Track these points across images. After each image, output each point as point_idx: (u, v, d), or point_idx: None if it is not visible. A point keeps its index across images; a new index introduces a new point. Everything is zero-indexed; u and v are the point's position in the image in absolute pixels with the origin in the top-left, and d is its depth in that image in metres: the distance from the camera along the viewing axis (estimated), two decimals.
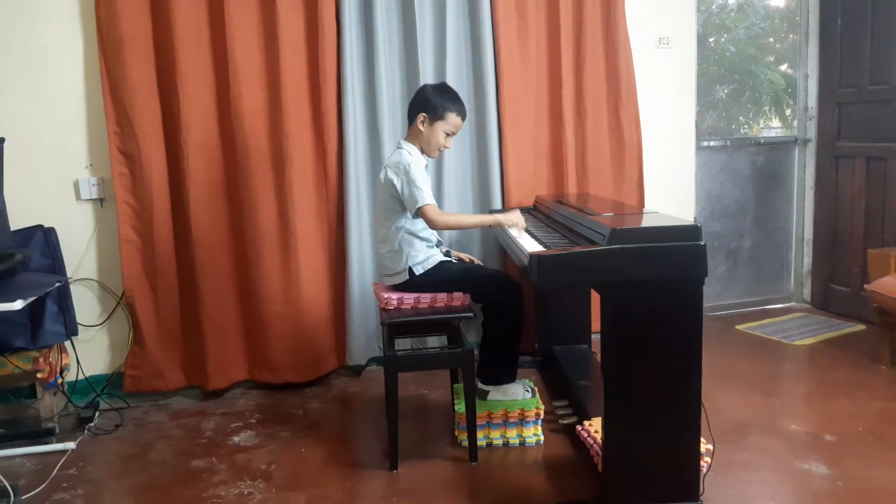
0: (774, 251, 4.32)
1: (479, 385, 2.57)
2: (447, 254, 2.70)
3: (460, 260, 2.79)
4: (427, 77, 3.23)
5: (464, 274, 2.60)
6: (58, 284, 2.70)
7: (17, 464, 2.53)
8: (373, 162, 3.26)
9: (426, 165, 2.62)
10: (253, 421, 2.87)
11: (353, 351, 3.28)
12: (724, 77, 4.55)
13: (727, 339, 3.70)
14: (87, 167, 3.06)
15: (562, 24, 3.39)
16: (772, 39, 4.69)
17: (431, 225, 2.53)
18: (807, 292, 4.31)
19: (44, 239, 2.91)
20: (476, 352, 2.54)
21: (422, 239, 2.58)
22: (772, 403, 2.83)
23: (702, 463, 2.00)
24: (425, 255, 2.56)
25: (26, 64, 2.94)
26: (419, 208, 2.47)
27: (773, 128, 4.76)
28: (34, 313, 2.74)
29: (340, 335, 3.30)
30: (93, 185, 3.05)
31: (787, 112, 4.57)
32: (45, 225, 2.93)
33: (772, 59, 4.66)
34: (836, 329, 3.78)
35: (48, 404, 2.81)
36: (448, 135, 2.62)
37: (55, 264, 2.93)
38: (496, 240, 3.24)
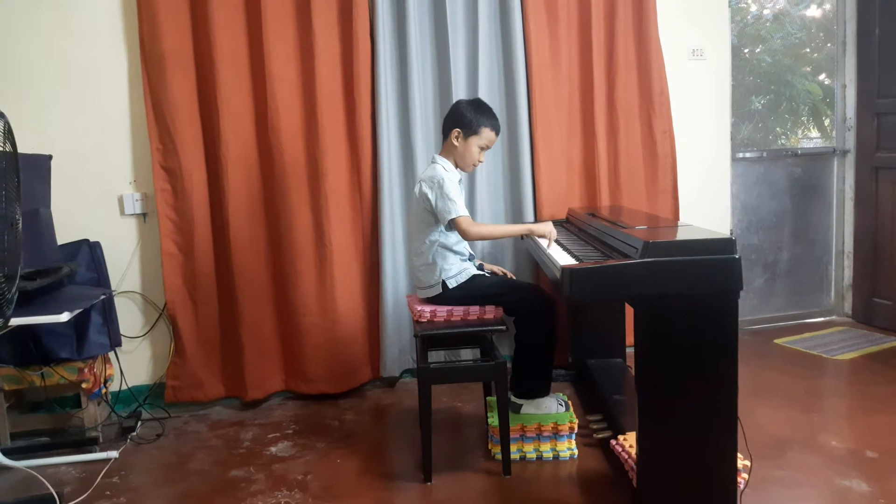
0: (814, 264, 4.25)
1: (513, 399, 2.57)
2: (480, 267, 2.72)
3: (493, 273, 2.80)
4: (460, 92, 3.27)
5: (496, 287, 2.61)
6: (103, 297, 2.79)
7: (62, 472, 2.60)
8: (406, 176, 3.29)
9: (460, 180, 2.64)
10: (290, 431, 2.91)
11: (387, 363, 3.31)
12: (760, 88, 4.50)
13: (766, 353, 3.64)
14: (130, 183, 3.15)
15: (594, 37, 3.40)
16: (808, 49, 4.63)
17: (465, 236, 2.55)
18: (848, 306, 4.23)
19: (89, 253, 3.01)
20: (509, 365, 2.55)
21: (455, 252, 2.60)
22: (811, 419, 2.78)
23: (739, 479, 1.98)
24: (458, 268, 2.58)
25: (72, 81, 3.05)
26: (453, 220, 2.50)
27: (812, 138, 4.69)
28: (80, 325, 2.82)
29: (375, 347, 3.34)
30: (136, 200, 3.14)
31: (826, 123, 4.50)
32: (91, 239, 3.03)
33: (809, 69, 4.59)
34: (877, 343, 3.70)
35: (92, 414, 2.88)
36: (482, 149, 2.65)
37: (100, 277, 3.02)
38: (529, 253, 3.25)
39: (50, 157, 2.87)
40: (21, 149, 2.24)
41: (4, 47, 2.97)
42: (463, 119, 2.61)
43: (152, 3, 2.97)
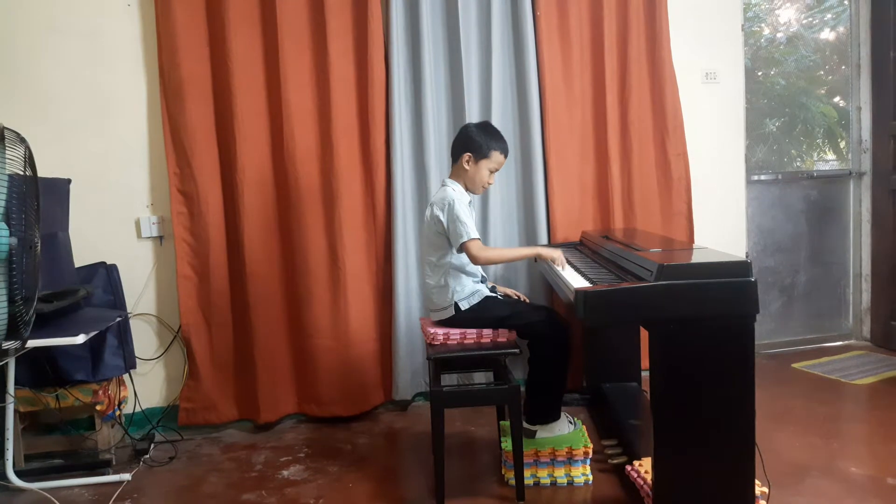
0: (831, 287, 4.21)
1: (526, 425, 2.55)
2: (493, 290, 2.72)
3: (506, 296, 2.79)
4: (473, 116, 3.29)
5: (509, 310, 2.60)
6: (118, 319, 2.80)
7: (74, 494, 2.60)
8: (420, 200, 3.31)
9: (470, 202, 2.65)
10: (302, 455, 2.90)
11: (399, 386, 3.30)
12: (775, 110, 4.49)
13: (783, 377, 3.59)
14: (147, 206, 3.18)
15: (606, 60, 3.42)
16: (822, 72, 4.63)
17: (474, 260, 2.56)
18: (866, 329, 4.17)
19: (106, 275, 3.03)
20: (523, 389, 2.53)
21: (468, 274, 2.60)
22: (830, 445, 2.73)
23: None
24: (471, 290, 2.58)
25: (93, 107, 3.10)
26: (463, 243, 2.50)
27: (827, 161, 4.67)
28: (95, 347, 2.83)
29: (387, 370, 3.33)
30: (153, 223, 3.17)
31: (842, 145, 4.48)
32: (108, 262, 3.06)
33: (823, 91, 4.59)
34: None
35: (106, 436, 2.89)
36: (491, 172, 2.67)
37: (116, 300, 3.04)
38: (543, 276, 3.24)
39: (69, 181, 2.91)
40: (42, 172, 2.28)
41: (29, 74, 3.03)
42: (472, 143, 2.62)
43: (172, 31, 3.02)
